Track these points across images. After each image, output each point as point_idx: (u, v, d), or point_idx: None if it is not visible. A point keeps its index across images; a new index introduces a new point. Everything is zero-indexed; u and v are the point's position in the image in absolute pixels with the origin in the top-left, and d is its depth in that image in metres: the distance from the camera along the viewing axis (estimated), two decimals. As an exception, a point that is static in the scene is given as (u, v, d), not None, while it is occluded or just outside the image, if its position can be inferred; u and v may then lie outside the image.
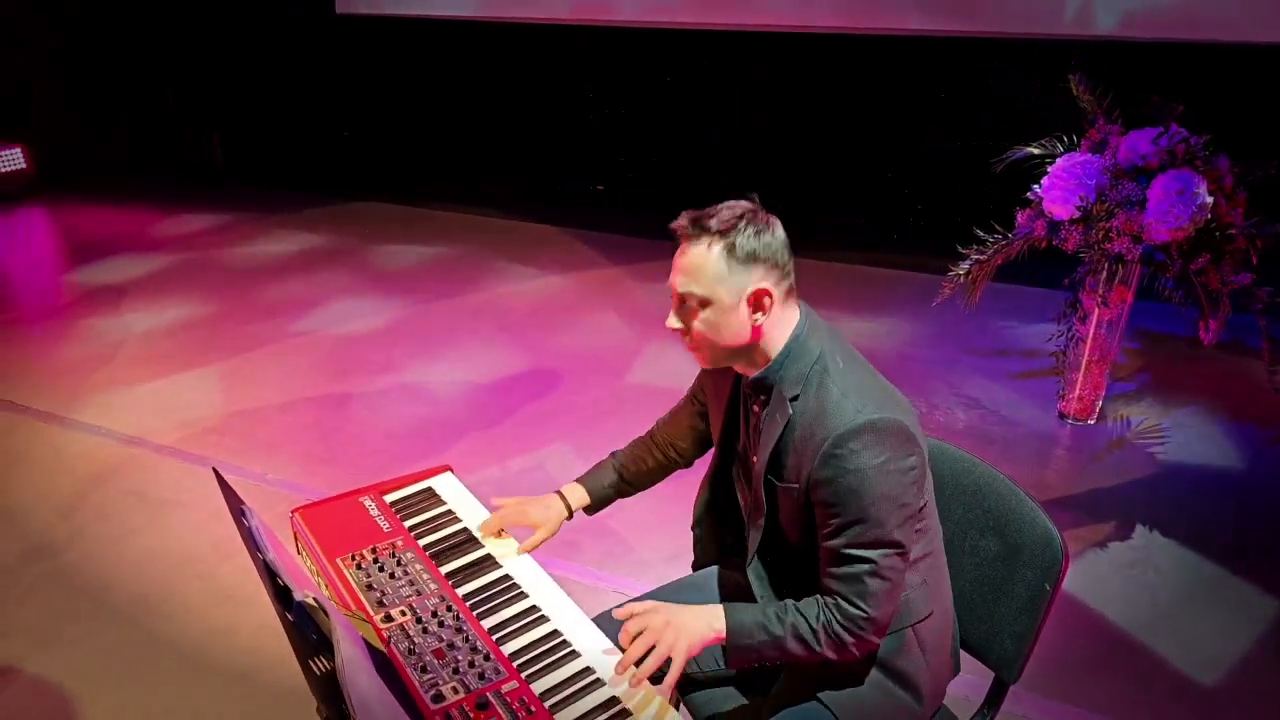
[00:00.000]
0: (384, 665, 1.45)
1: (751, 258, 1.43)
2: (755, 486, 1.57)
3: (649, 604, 1.54)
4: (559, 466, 3.51)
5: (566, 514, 1.88)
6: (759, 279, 1.44)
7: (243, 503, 1.24)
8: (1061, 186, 3.29)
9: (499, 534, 1.83)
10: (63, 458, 3.64)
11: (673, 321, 1.51)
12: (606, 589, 2.83)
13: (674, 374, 4.06)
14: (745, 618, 1.50)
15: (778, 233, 1.47)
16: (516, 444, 3.69)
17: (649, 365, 4.35)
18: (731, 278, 1.43)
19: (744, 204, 1.48)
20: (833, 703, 1.57)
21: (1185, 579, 2.91)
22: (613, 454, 1.95)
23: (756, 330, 1.47)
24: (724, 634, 1.50)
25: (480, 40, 6.74)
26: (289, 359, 4.50)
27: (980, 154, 3.77)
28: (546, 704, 1.41)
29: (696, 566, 1.93)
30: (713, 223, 1.43)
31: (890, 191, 5.86)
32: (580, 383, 4.20)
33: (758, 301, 1.45)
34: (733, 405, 1.68)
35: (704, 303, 1.45)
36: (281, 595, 1.06)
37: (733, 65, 6.07)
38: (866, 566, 1.42)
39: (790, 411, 1.47)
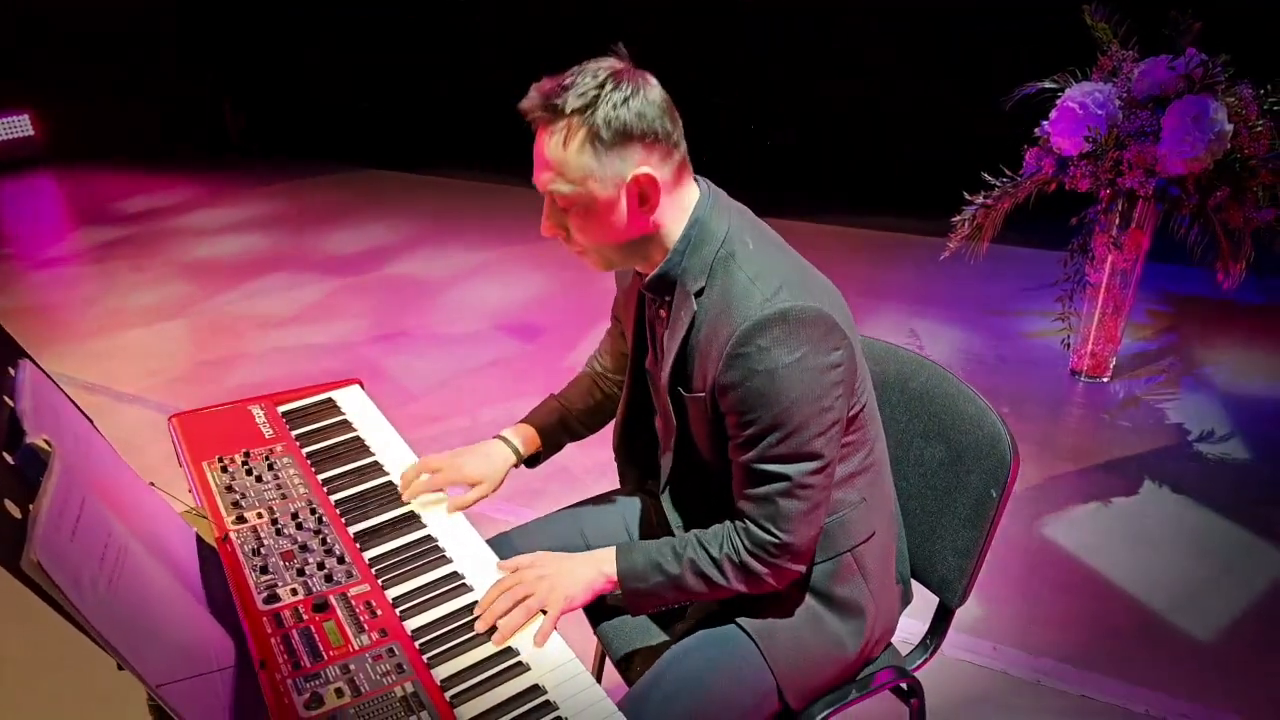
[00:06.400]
0: (217, 564, 1.28)
1: (623, 135, 1.14)
2: (663, 401, 1.34)
3: (533, 555, 1.34)
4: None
5: (514, 460, 1.59)
6: (638, 161, 1.16)
7: (24, 355, 1.07)
8: (1069, 119, 3.04)
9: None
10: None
11: (547, 227, 1.25)
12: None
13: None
14: (638, 558, 1.30)
15: (651, 94, 1.16)
16: (489, 395, 3.51)
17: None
18: (602, 166, 1.15)
19: (605, 63, 1.18)
20: (753, 630, 1.34)
21: (1195, 541, 2.65)
22: (552, 395, 1.68)
23: (644, 223, 1.21)
24: (615, 578, 1.30)
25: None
26: (265, 313, 4.38)
27: (990, 100, 3.51)
28: (398, 609, 1.23)
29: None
30: (568, 98, 1.13)
31: (894, 149, 5.61)
32: (566, 339, 4.03)
33: (640, 190, 1.18)
34: (641, 312, 1.43)
35: (575, 201, 1.19)
36: (11, 438, 0.89)
37: (765, 26, 5.86)
38: (780, 485, 1.20)
39: (695, 308, 1.23)
